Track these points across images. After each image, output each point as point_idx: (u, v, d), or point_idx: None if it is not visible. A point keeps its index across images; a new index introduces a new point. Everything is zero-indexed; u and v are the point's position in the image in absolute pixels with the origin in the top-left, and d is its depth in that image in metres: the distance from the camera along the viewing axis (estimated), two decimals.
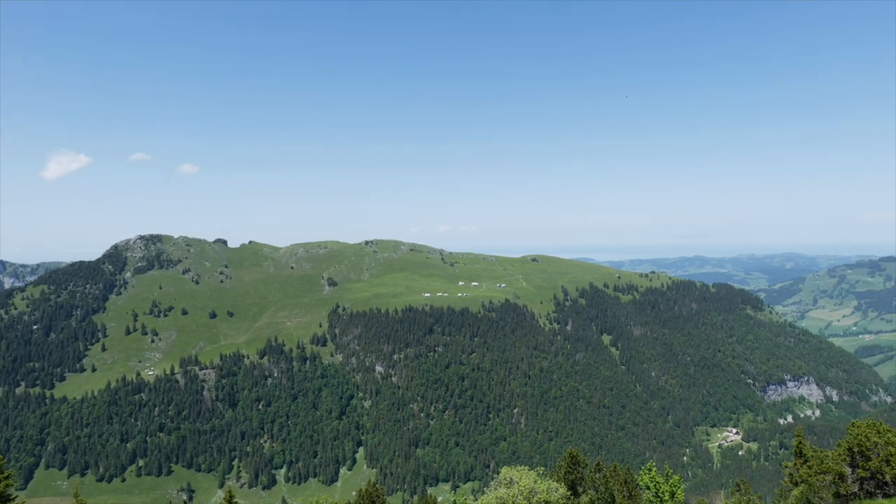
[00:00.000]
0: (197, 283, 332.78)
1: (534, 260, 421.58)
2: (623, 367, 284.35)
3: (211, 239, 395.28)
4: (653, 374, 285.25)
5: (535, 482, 40.20)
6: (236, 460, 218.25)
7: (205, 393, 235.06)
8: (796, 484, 40.25)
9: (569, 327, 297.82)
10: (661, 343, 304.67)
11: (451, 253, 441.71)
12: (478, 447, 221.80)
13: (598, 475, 48.24)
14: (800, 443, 44.30)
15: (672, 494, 48.65)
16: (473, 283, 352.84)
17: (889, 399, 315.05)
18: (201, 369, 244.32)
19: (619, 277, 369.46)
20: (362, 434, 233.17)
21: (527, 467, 42.78)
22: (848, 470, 32.14)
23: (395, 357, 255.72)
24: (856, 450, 30.94)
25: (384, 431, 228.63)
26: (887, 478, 28.94)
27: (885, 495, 28.29)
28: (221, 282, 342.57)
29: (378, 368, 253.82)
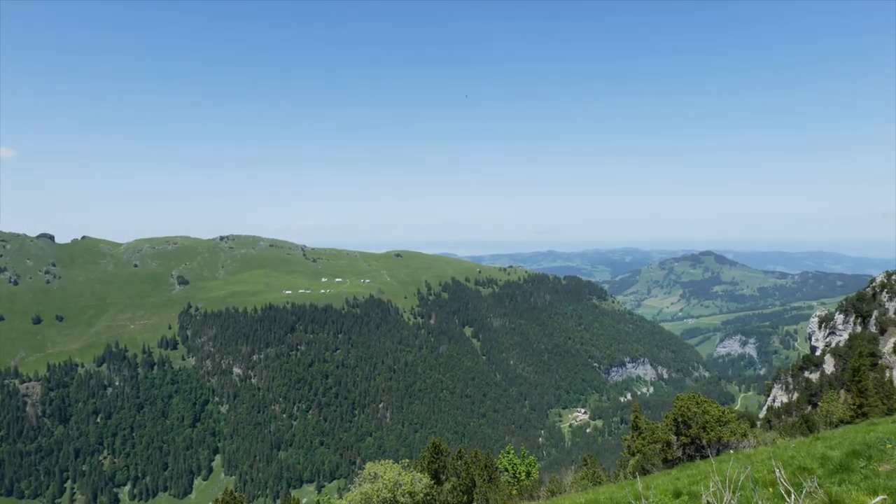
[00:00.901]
0: (16, 283, 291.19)
1: (398, 255, 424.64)
2: (484, 357, 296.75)
3: (34, 234, 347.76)
4: (511, 362, 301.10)
5: (400, 474, 40.47)
6: (69, 482, 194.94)
7: (28, 409, 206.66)
8: (633, 454, 44.48)
9: (432, 321, 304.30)
10: (519, 333, 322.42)
11: (313, 248, 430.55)
12: (343, 445, 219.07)
13: (459, 462, 49.79)
14: (636, 417, 49.29)
15: (528, 474, 51.67)
16: (337, 279, 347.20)
17: (707, 374, 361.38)
18: (23, 382, 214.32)
19: (479, 272, 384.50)
20: (219, 441, 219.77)
21: (391, 461, 42.90)
22: (674, 438, 36.14)
23: (255, 358, 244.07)
24: (679, 420, 34.89)
25: (243, 436, 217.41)
26: (703, 442, 32.96)
27: (702, 457, 32.20)
28: (48, 282, 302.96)
29: (236, 370, 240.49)
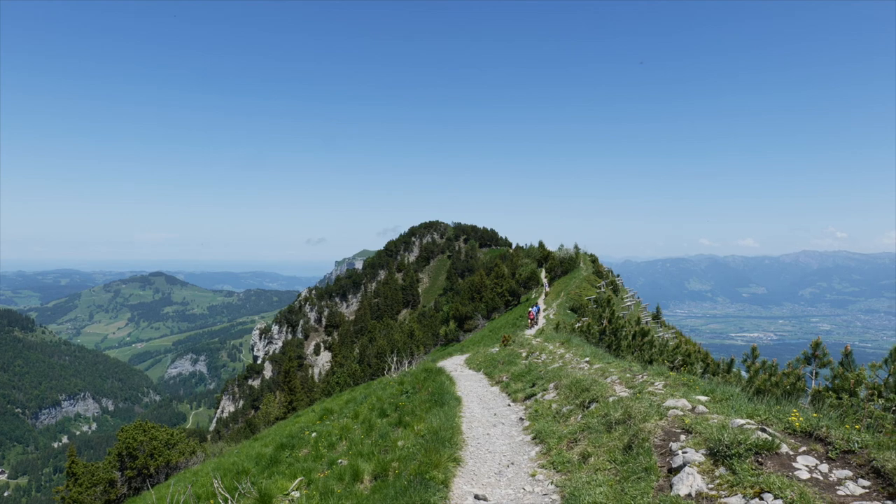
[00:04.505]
0: None
1: None
2: None
3: None
4: None
5: None
6: None
7: None
8: None
9: None
10: None
11: None
12: None
13: None
14: (72, 462, 43.01)
15: None
16: None
17: (158, 398, 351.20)
18: None
19: None
20: None
21: None
22: (118, 474, 33.30)
23: None
24: (124, 453, 32.45)
25: None
26: (152, 470, 31.58)
27: (153, 485, 30.73)
28: None
29: None
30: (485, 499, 7.87)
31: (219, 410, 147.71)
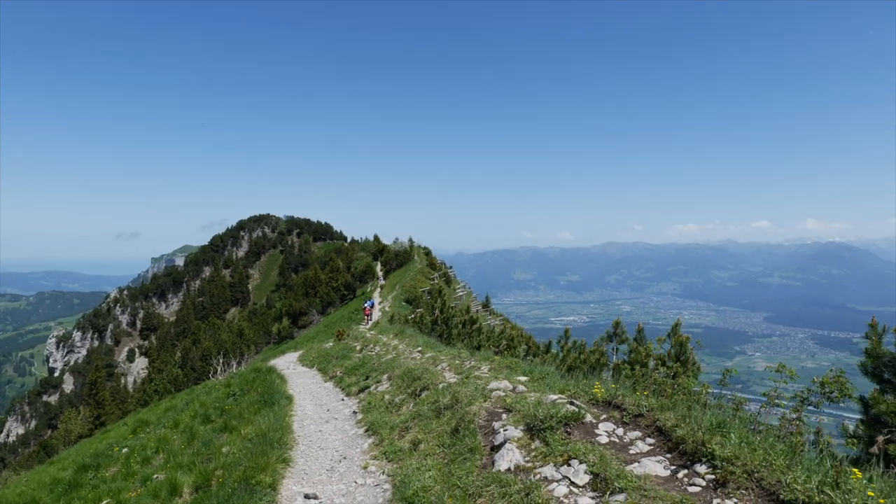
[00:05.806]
0: None
1: None
2: None
3: None
4: None
5: None
6: None
7: None
8: None
9: None
10: None
11: None
12: None
13: None
14: None
15: None
16: None
17: None
18: None
19: None
20: None
21: None
22: None
23: None
24: None
25: None
26: None
27: None
28: None
29: None
30: (315, 497, 7.71)
31: (3, 434, 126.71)
